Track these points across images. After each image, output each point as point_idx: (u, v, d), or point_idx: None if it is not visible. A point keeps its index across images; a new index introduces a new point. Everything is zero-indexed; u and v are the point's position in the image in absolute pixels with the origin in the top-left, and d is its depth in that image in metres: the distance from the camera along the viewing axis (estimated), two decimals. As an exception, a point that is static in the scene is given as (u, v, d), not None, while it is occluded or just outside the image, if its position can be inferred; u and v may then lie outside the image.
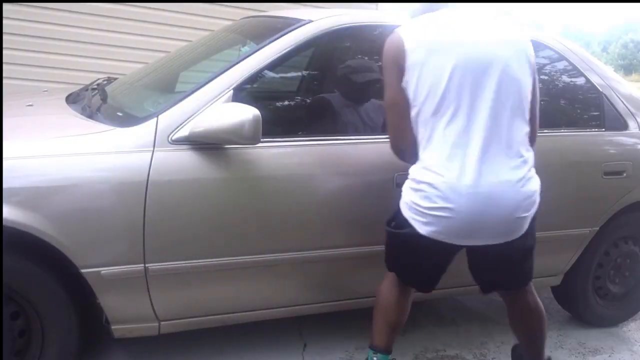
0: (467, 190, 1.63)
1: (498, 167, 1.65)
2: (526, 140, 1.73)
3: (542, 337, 2.02)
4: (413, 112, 1.71)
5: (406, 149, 1.78)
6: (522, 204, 1.68)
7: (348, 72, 2.30)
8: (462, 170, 1.63)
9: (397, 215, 1.80)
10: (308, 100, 2.37)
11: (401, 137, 1.77)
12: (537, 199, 1.74)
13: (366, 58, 2.38)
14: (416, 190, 1.70)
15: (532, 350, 2.05)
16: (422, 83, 1.66)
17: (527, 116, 1.74)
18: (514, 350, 2.21)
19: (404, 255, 1.86)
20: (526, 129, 1.73)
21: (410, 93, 1.69)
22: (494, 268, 1.87)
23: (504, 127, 1.66)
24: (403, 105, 1.72)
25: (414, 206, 1.70)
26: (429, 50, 1.66)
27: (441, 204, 1.64)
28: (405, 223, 1.75)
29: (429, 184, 1.66)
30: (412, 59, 1.67)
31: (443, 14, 1.75)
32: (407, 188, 1.76)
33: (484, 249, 1.74)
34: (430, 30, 1.70)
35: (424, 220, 1.69)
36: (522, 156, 1.70)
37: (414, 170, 1.74)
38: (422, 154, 1.71)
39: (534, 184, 1.73)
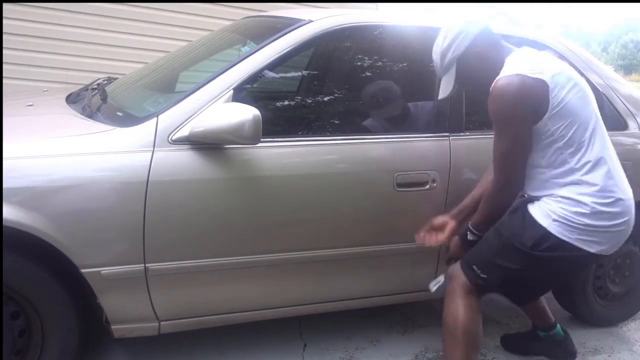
0: (630, 202, 1.82)
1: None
2: None
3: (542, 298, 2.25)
4: (557, 145, 1.76)
5: (521, 184, 1.84)
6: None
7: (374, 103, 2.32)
8: (622, 185, 1.81)
9: (546, 239, 1.77)
10: (308, 101, 2.37)
11: (520, 174, 1.81)
12: None
13: (365, 64, 2.39)
14: (590, 213, 1.74)
15: (542, 313, 2.28)
16: (567, 117, 1.74)
17: None
18: (505, 339, 2.42)
19: (548, 277, 1.89)
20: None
21: (563, 131, 1.74)
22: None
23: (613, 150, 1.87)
24: (530, 147, 1.78)
25: (586, 227, 1.75)
26: (563, 87, 1.74)
27: (619, 219, 1.78)
28: (562, 245, 1.76)
29: (607, 204, 1.75)
30: (555, 99, 1.72)
31: (532, 53, 1.84)
32: (566, 211, 1.76)
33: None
34: (551, 68, 1.76)
35: (597, 239, 1.77)
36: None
37: (577, 193, 1.76)
38: (582, 178, 1.76)
39: None
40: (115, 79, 2.76)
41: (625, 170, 2.42)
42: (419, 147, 2.18)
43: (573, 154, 1.76)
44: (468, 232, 1.92)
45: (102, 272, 1.77)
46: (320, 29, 2.10)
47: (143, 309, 1.89)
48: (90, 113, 2.05)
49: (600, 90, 2.51)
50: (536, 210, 1.80)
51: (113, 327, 1.89)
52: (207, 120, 1.81)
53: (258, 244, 1.96)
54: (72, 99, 2.40)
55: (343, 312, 2.34)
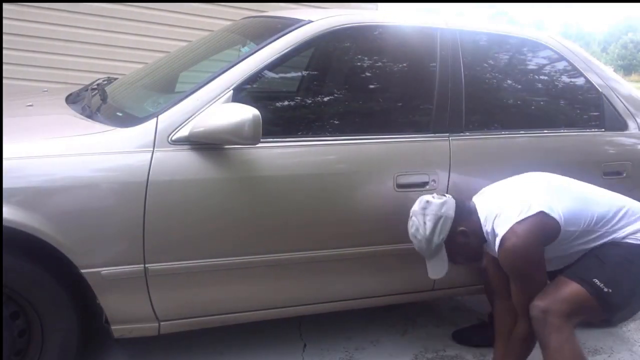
0: None
1: None
2: None
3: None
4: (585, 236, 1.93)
5: None
6: None
7: None
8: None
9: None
10: (308, 101, 2.37)
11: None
12: None
13: (365, 64, 2.39)
14: None
15: None
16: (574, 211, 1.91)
17: None
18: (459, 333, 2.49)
19: None
20: None
21: (579, 224, 1.90)
22: None
23: None
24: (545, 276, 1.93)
25: None
26: (549, 203, 1.89)
27: None
28: None
29: None
30: (562, 214, 1.87)
31: (492, 191, 2.05)
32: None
33: None
34: (539, 199, 1.89)
35: None
36: None
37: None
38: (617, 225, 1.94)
39: None
40: (115, 79, 2.76)
41: (625, 170, 2.46)
42: (419, 147, 2.18)
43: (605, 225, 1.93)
44: None
45: (102, 272, 1.77)
46: (320, 29, 2.10)
47: (143, 309, 1.89)
48: (90, 113, 2.05)
49: (600, 90, 2.51)
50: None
51: (113, 327, 1.89)
52: (207, 120, 1.81)
53: (258, 244, 1.96)
54: (72, 99, 2.40)
55: (343, 313, 2.34)
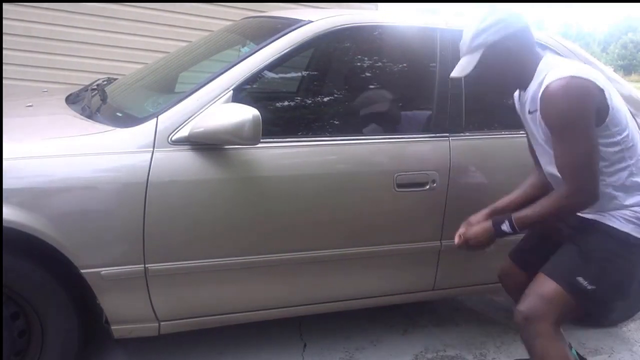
0: None
1: None
2: None
3: None
4: (621, 148, 1.73)
5: (597, 192, 1.73)
6: None
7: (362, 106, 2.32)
8: None
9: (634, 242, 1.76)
10: (308, 101, 2.37)
11: (595, 180, 1.71)
12: None
13: (365, 64, 2.39)
14: None
15: None
16: (624, 119, 1.74)
17: None
18: None
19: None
20: None
21: (621, 131, 1.73)
22: None
23: None
24: (599, 151, 1.72)
25: None
26: (609, 90, 1.72)
27: None
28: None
29: None
30: (609, 100, 1.70)
31: (572, 61, 1.87)
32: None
33: None
34: (593, 72, 1.73)
35: None
36: None
37: None
38: None
39: None
40: (115, 79, 2.76)
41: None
42: (419, 147, 2.18)
43: (631, 157, 1.75)
44: (505, 224, 1.83)
45: (102, 272, 1.77)
46: (320, 29, 2.09)
47: (143, 309, 1.89)
48: (90, 113, 2.05)
49: (600, 90, 2.50)
50: (615, 220, 1.77)
51: (113, 327, 1.89)
52: (207, 120, 1.81)
53: (258, 245, 1.96)
54: (72, 100, 2.40)
55: (343, 312, 2.34)
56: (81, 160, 1.75)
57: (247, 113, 1.74)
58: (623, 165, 1.75)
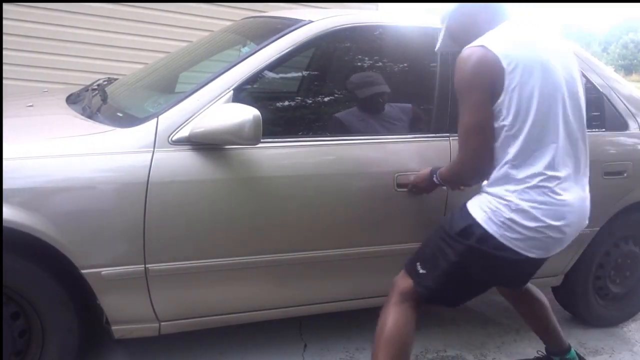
0: (573, 207, 1.70)
1: (581, 183, 1.78)
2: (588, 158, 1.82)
3: (554, 320, 2.17)
4: (504, 133, 1.66)
5: (486, 171, 1.73)
6: (588, 215, 1.82)
7: (352, 89, 2.31)
8: (566, 189, 1.69)
9: (475, 230, 1.70)
10: (309, 102, 2.37)
11: (484, 159, 1.71)
12: None
13: (365, 64, 2.38)
14: (522, 211, 1.65)
15: (555, 336, 2.19)
16: (522, 104, 1.63)
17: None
18: None
19: (481, 275, 1.78)
20: (586, 147, 1.81)
21: (508, 115, 1.64)
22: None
23: (579, 148, 1.76)
24: (491, 129, 1.67)
25: (518, 227, 1.66)
26: (527, 69, 1.63)
27: (553, 222, 1.66)
28: (489, 240, 1.68)
29: (538, 204, 1.65)
30: (511, 78, 1.62)
31: (516, 27, 1.72)
32: (501, 207, 1.67)
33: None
34: (521, 46, 1.65)
35: (527, 241, 1.67)
36: (587, 174, 1.82)
37: (511, 193, 1.67)
38: (519, 174, 1.66)
39: None
40: (116, 79, 2.76)
41: (625, 171, 2.45)
42: (419, 147, 2.17)
43: (514, 146, 1.66)
44: (435, 175, 1.94)
45: (103, 272, 1.77)
46: (321, 29, 2.09)
47: (143, 309, 1.89)
48: (91, 114, 2.05)
49: (601, 90, 2.51)
50: (473, 203, 1.75)
51: (113, 327, 1.89)
52: (207, 120, 1.81)
53: (258, 245, 1.96)
54: (73, 100, 2.40)
55: (343, 313, 2.34)
56: (82, 161, 1.75)
57: (247, 113, 1.74)
58: (505, 151, 1.68)
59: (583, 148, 1.78)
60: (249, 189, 1.92)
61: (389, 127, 2.27)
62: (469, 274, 1.76)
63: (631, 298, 2.75)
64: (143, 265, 1.82)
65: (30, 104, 2.33)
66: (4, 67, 4.21)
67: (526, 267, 1.80)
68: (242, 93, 1.95)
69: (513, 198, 1.66)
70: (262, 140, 1.80)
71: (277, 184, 1.94)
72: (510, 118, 1.64)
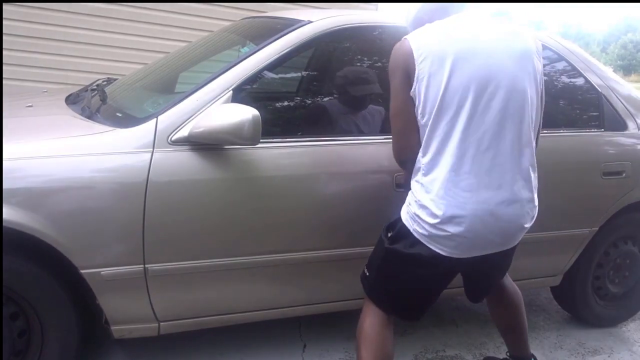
0: (475, 210, 1.60)
1: (506, 184, 1.63)
2: (533, 158, 1.70)
3: (525, 323, 2.10)
4: (420, 123, 1.65)
5: (409, 159, 1.72)
6: (527, 217, 1.70)
7: (345, 83, 2.30)
8: (473, 187, 1.59)
9: (396, 226, 1.73)
10: (308, 102, 2.38)
11: (406, 146, 1.71)
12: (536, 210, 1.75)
13: (364, 64, 2.39)
14: (424, 206, 1.62)
15: (521, 342, 2.11)
16: (430, 95, 1.60)
17: (533, 130, 1.70)
18: None
19: (406, 276, 1.72)
20: (532, 144, 1.69)
21: (419, 104, 1.64)
22: (489, 274, 1.90)
23: (511, 145, 1.63)
24: (409, 114, 1.66)
25: (423, 223, 1.63)
26: (438, 60, 1.60)
27: (456, 221, 1.59)
28: (408, 237, 1.67)
29: (440, 200, 1.59)
30: (420, 69, 1.60)
31: (452, 21, 1.69)
32: (412, 202, 1.67)
33: (483, 259, 1.72)
34: (439, 39, 1.63)
35: (435, 238, 1.63)
36: (529, 176, 1.68)
37: (418, 186, 1.66)
38: (427, 167, 1.63)
39: (536, 205, 1.74)
40: (115, 79, 2.76)
41: (624, 171, 2.45)
42: (418, 147, 2.17)
43: (424, 137, 1.64)
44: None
45: (102, 272, 1.77)
46: (320, 29, 2.10)
47: (143, 309, 1.89)
48: (90, 114, 2.05)
49: (600, 90, 2.51)
50: (404, 205, 1.75)
51: (113, 327, 1.89)
52: (206, 120, 1.81)
53: (257, 245, 1.96)
54: (72, 100, 2.40)
55: (343, 313, 2.34)
56: (81, 161, 1.75)
57: (246, 113, 1.74)
58: (420, 142, 1.67)
59: (516, 147, 1.63)
60: (249, 189, 1.92)
61: (363, 126, 2.27)
62: (395, 275, 1.74)
63: (630, 298, 2.75)
64: (142, 266, 1.82)
65: (30, 104, 2.33)
66: (4, 67, 4.21)
67: (436, 264, 1.68)
68: (242, 93, 1.95)
69: (419, 191, 1.65)
70: (261, 140, 1.80)
71: (277, 184, 1.94)
72: (420, 107, 1.64)
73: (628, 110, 2.56)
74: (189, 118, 1.86)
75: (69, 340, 1.84)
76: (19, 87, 4.15)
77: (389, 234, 1.76)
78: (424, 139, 1.65)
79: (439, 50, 1.61)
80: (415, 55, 1.62)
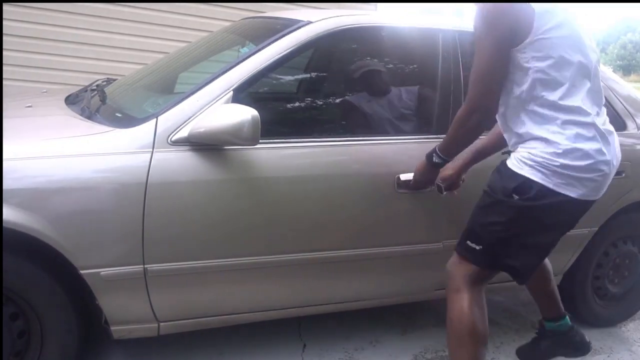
0: (611, 144, 1.76)
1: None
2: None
3: (554, 284, 2.23)
4: (534, 77, 1.67)
5: (494, 111, 1.75)
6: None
7: (350, 75, 2.32)
8: (604, 127, 1.74)
9: (526, 187, 1.69)
10: (308, 102, 2.38)
11: (493, 98, 1.72)
12: None
13: (367, 59, 2.39)
14: (567, 152, 1.66)
15: (557, 304, 2.23)
16: (554, 45, 1.66)
17: None
18: (520, 350, 2.32)
19: (539, 231, 1.75)
20: None
21: (540, 55, 1.66)
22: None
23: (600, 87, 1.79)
24: (506, 70, 1.70)
25: (565, 170, 1.66)
26: (551, 19, 1.66)
27: (601, 158, 1.70)
28: (543, 192, 1.68)
29: (589, 141, 1.68)
30: (539, 29, 1.64)
31: None
32: (544, 153, 1.68)
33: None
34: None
35: (578, 182, 1.68)
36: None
37: (554, 133, 1.68)
38: (561, 116, 1.68)
39: None
40: (115, 80, 2.76)
41: (624, 171, 2.45)
42: (420, 148, 2.17)
43: (551, 90, 1.68)
44: (434, 154, 1.91)
45: (102, 273, 1.77)
46: (320, 30, 2.10)
47: (142, 310, 1.89)
48: (90, 114, 2.05)
49: (599, 90, 2.51)
50: (511, 161, 1.75)
51: (112, 328, 1.89)
52: (206, 121, 1.81)
53: (257, 245, 1.96)
54: (72, 100, 2.40)
55: (342, 313, 2.34)
56: (81, 161, 1.75)
57: (246, 113, 1.74)
58: (546, 97, 1.69)
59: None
60: (248, 189, 1.92)
61: (395, 111, 2.29)
62: (525, 233, 1.75)
63: (629, 298, 2.75)
64: (142, 266, 1.82)
65: (29, 105, 2.32)
66: (4, 68, 4.21)
67: (577, 209, 1.79)
68: (242, 94, 1.95)
69: (558, 139, 1.67)
70: (261, 140, 1.80)
71: (276, 184, 1.94)
72: (544, 65, 1.66)
73: (627, 110, 2.56)
74: (189, 118, 1.85)
75: (68, 341, 1.84)
76: (18, 87, 4.15)
77: (514, 193, 1.71)
78: (552, 91, 1.69)
79: (552, 11, 1.68)
80: (537, 14, 1.65)
